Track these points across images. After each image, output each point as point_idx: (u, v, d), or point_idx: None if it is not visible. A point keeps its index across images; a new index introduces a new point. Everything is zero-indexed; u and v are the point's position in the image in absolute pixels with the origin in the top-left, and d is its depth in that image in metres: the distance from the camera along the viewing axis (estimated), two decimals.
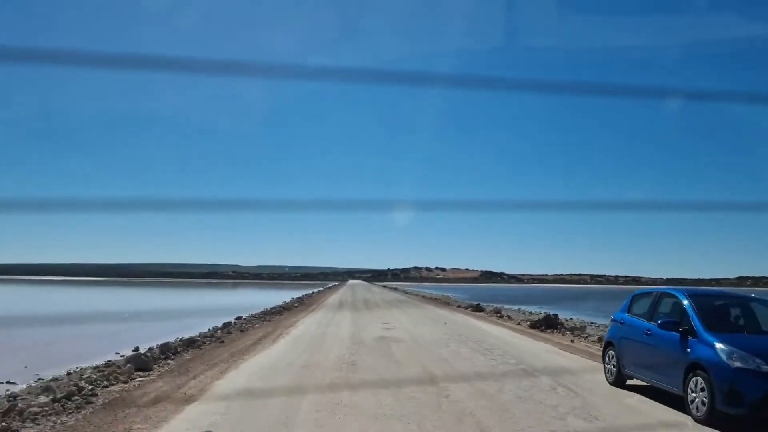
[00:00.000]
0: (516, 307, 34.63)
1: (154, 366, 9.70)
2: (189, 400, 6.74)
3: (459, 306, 31.93)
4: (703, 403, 5.87)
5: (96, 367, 10.38)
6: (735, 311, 7.02)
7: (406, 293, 61.97)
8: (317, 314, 22.69)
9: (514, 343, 13.31)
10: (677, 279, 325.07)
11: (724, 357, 5.78)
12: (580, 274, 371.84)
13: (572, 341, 14.10)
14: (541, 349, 12.25)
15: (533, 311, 29.68)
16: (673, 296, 7.19)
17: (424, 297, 49.64)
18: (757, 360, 5.63)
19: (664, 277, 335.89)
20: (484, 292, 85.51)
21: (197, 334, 14.59)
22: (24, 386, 9.12)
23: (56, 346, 15.66)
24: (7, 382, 9.95)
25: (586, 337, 15.17)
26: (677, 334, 6.49)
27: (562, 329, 16.79)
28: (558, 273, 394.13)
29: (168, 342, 12.04)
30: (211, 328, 16.98)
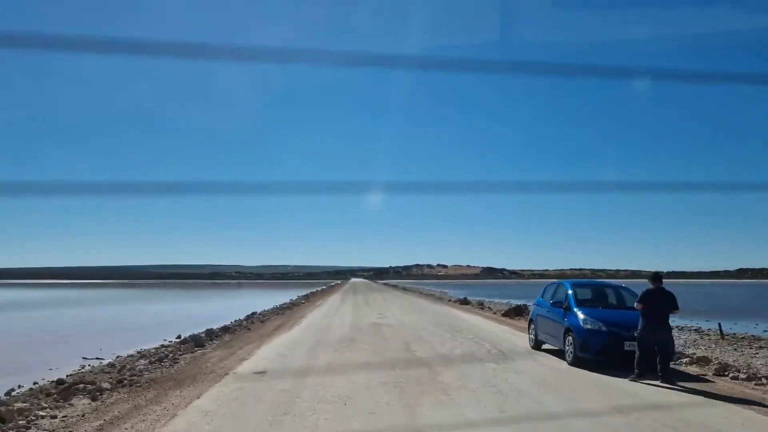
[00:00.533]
0: (505, 301, 37.98)
1: (206, 344, 13.21)
2: (243, 359, 10.23)
3: (449, 300, 35.49)
4: (570, 353, 9.36)
5: (161, 346, 13.93)
6: (597, 293, 10.51)
7: (405, 290, 65.52)
8: (322, 308, 26.20)
9: (480, 326, 16.82)
10: (678, 272, 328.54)
11: (581, 323, 9.25)
12: (581, 269, 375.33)
13: None
14: (498, 330, 15.75)
15: (519, 303, 33.02)
16: (563, 285, 10.69)
17: (420, 293, 53.20)
18: (600, 323, 9.09)
19: (665, 270, 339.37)
20: (482, 288, 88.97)
21: (229, 323, 18.12)
22: (114, 359, 12.63)
23: (110, 336, 19.14)
24: (95, 358, 13.46)
25: None
26: (561, 310, 9.98)
27: (527, 316, 20.29)
28: (559, 268, 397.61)
29: (211, 328, 15.57)
30: (234, 321, 20.48)
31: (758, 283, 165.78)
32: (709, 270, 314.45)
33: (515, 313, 20.85)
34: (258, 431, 5.46)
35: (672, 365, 9.33)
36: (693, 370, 9.46)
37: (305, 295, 45.28)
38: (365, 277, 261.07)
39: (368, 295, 45.05)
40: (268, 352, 11.12)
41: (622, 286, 10.77)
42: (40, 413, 6.27)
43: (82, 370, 11.14)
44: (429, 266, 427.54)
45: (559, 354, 10.23)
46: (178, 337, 16.51)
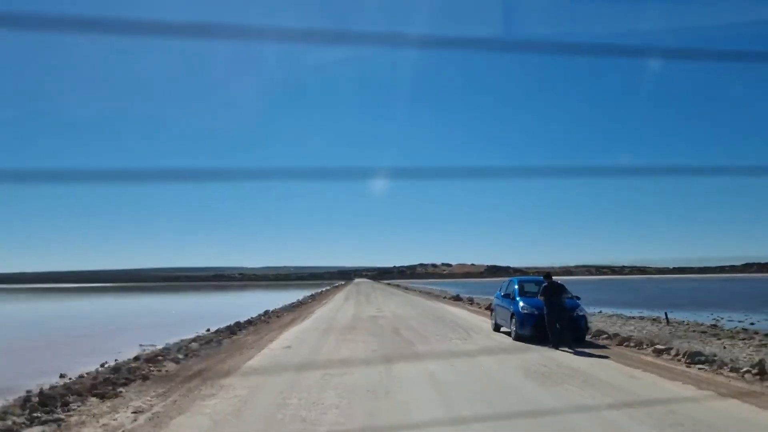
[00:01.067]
0: None
1: (237, 332, 16.74)
2: (271, 340, 13.75)
3: (444, 297, 39.03)
4: (514, 331, 12.84)
5: (198, 336, 17.42)
6: (537, 287, 13.97)
7: (405, 289, 69.06)
8: (328, 305, 29.74)
9: (461, 317, 20.33)
10: (683, 268, 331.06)
11: (520, 308, 12.72)
12: (585, 265, 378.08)
13: None
14: (476, 319, 19.25)
15: None
16: (512, 282, 14.17)
17: (419, 292, 56.73)
18: (533, 309, 12.55)
19: (671, 266, 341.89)
20: (483, 286, 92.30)
21: (248, 318, 21.65)
22: (166, 344, 16.12)
23: (148, 330, 22.66)
24: (150, 345, 16.96)
25: None
26: (509, 300, 13.46)
27: None
28: (564, 265, 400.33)
29: (238, 321, 19.12)
30: (253, 317, 24.00)
31: (761, 278, 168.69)
32: (715, 265, 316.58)
33: None
34: (292, 373, 8.96)
35: (591, 338, 12.86)
36: (604, 341, 12.92)
37: (311, 295, 48.87)
38: (369, 277, 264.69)
39: (370, 293, 48.61)
40: (288, 336, 14.64)
41: (556, 281, 14.22)
42: (153, 369, 9.81)
43: (147, 352, 14.66)
44: (433, 265, 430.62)
45: (509, 334, 13.71)
46: (208, 330, 19.98)
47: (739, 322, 23.22)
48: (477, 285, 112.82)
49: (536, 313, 12.53)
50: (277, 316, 22.97)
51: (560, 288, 11.93)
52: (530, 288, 13.92)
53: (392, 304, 30.07)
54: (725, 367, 9.11)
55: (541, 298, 11.81)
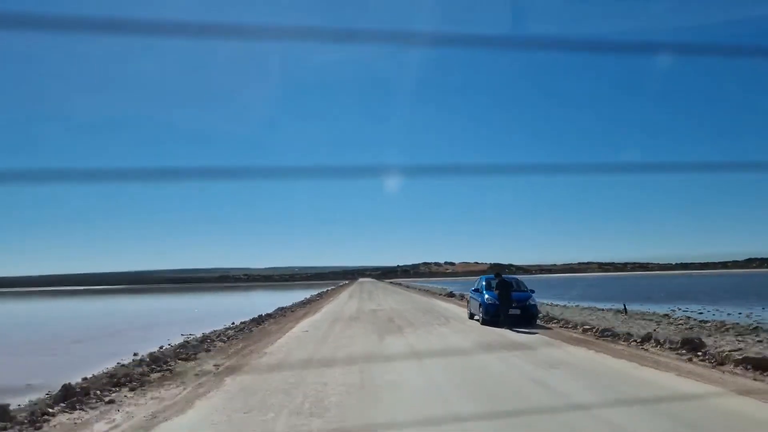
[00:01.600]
0: None
1: (261, 323, 20.48)
2: (290, 328, 17.46)
3: (439, 294, 42.77)
4: (481, 317, 16.54)
5: (230, 326, 21.17)
6: (509, 283, 17.65)
7: (406, 287, 72.81)
8: (334, 302, 33.48)
9: (448, 309, 24.02)
10: (686, 264, 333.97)
11: (486, 300, 16.40)
12: (588, 263, 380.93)
13: None
14: (459, 311, 22.91)
15: None
16: (481, 279, 17.85)
17: (418, 290, 60.48)
18: (495, 300, 16.21)
19: (674, 263, 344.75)
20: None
21: (266, 313, 25.39)
22: (203, 333, 19.84)
23: (183, 324, 26.37)
24: (189, 334, 20.68)
25: None
26: (479, 293, 17.14)
27: None
28: (567, 262, 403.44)
29: (260, 314, 22.86)
30: (271, 311, 27.71)
31: (761, 273, 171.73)
32: (717, 261, 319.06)
33: None
34: (311, 349, 12.65)
35: (543, 322, 16.54)
36: (553, 324, 16.55)
37: (318, 294, 52.68)
38: (373, 277, 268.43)
39: (372, 292, 52.41)
40: (304, 325, 18.37)
41: (516, 279, 17.94)
42: (209, 347, 13.53)
43: (194, 337, 18.37)
44: (437, 264, 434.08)
45: (478, 321, 17.39)
46: (233, 323, 23.70)
47: (693, 311, 26.82)
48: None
49: (497, 303, 16.22)
50: (291, 311, 26.72)
51: (509, 284, 15.63)
52: (493, 284, 17.60)
53: (391, 300, 33.81)
54: (622, 338, 12.77)
55: (496, 292, 15.52)
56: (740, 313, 25.36)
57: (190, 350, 12.71)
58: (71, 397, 7.53)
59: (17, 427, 6.36)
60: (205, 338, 15.44)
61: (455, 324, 17.12)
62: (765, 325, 17.40)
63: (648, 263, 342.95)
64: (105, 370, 10.84)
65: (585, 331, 14.57)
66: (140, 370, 10.00)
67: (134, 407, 7.05)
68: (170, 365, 10.58)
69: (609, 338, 13.04)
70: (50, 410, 6.95)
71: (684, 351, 10.50)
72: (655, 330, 14.64)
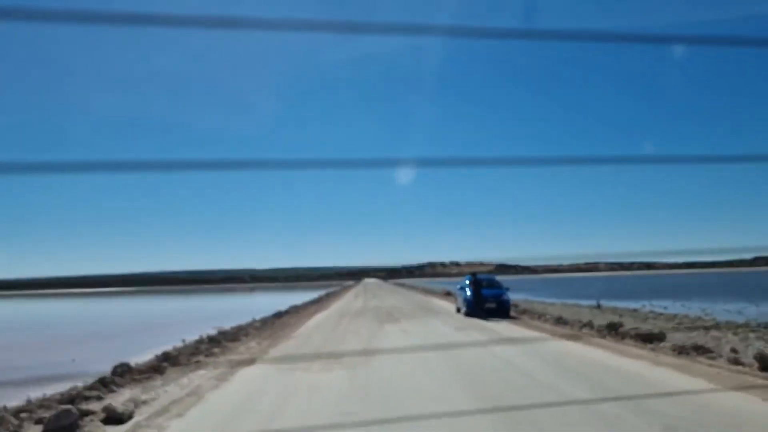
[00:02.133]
0: None
1: (281, 317, 24.32)
2: (306, 321, 21.30)
3: (438, 294, 46.60)
4: (464, 310, 20.33)
5: (255, 319, 25.01)
6: (482, 281, 21.42)
7: (410, 288, 76.65)
8: (341, 301, 37.33)
9: (441, 306, 27.80)
10: (692, 263, 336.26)
11: (466, 295, 20.19)
12: (596, 263, 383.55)
13: None
14: (451, 307, 26.67)
15: None
16: (466, 278, 21.63)
17: (420, 289, 64.33)
18: (473, 296, 20.02)
19: (680, 261, 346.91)
20: None
21: (282, 309, 29.25)
22: (231, 326, 23.68)
23: (208, 320, 30.23)
24: (221, 327, 24.50)
25: None
26: (462, 290, 20.93)
27: None
28: (574, 262, 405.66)
29: (279, 310, 26.74)
30: (285, 309, 31.55)
31: (763, 271, 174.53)
32: (723, 260, 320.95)
33: None
34: (327, 333, 16.44)
35: (516, 314, 20.28)
36: (523, 316, 20.27)
37: (326, 294, 56.60)
38: (378, 277, 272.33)
39: (376, 291, 56.29)
40: (317, 318, 22.19)
41: (494, 278, 21.70)
42: (243, 334, 17.38)
43: (226, 328, 22.19)
44: (442, 264, 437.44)
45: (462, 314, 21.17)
46: (253, 319, 27.52)
47: (661, 306, 30.49)
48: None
49: (475, 298, 19.99)
50: (304, 309, 30.59)
51: (480, 282, 19.42)
52: (473, 282, 21.36)
53: (393, 299, 37.65)
54: (569, 325, 16.50)
55: (471, 288, 19.30)
56: (687, 306, 29.20)
57: (229, 336, 16.54)
58: (171, 359, 11.36)
59: (145, 374, 10.16)
60: (239, 328, 19.28)
61: (443, 316, 20.92)
62: (690, 314, 21.13)
63: (654, 262, 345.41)
64: (175, 347, 14.65)
65: (546, 320, 18.33)
66: (204, 346, 13.84)
67: (213, 366, 10.85)
68: (223, 344, 14.40)
69: (559, 324, 16.80)
70: (162, 364, 10.77)
71: (605, 331, 14.27)
72: (594, 318, 18.42)
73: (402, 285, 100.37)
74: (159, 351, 14.43)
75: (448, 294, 42.21)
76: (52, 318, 44.28)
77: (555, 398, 6.66)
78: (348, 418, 6.04)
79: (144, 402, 7.38)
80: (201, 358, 11.72)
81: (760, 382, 7.58)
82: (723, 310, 27.12)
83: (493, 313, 19.52)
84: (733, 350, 10.86)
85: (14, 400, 8.58)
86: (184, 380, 9.16)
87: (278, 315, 25.13)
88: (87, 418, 6.44)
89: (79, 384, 9.33)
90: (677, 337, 13.02)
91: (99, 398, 7.79)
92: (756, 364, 8.67)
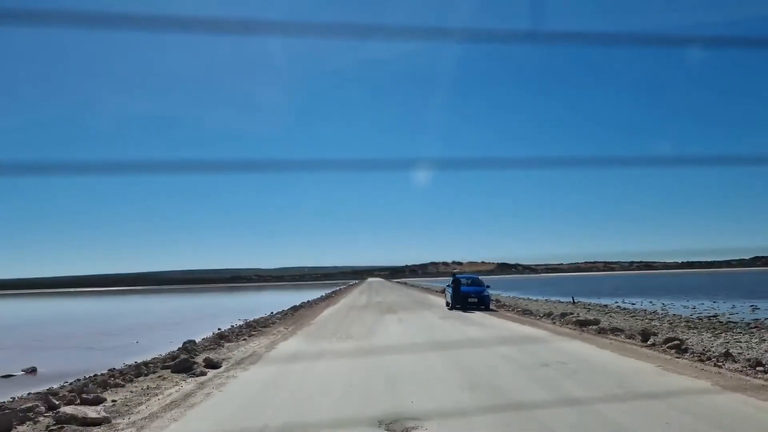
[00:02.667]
0: None
1: (298, 310, 28.20)
2: (319, 313, 25.16)
3: (435, 291, 50.45)
4: (451, 304, 24.20)
5: (273, 313, 28.92)
6: (467, 280, 25.22)
7: (411, 286, 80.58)
8: (348, 297, 41.21)
9: (436, 302, 31.64)
10: (691, 262, 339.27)
11: (452, 292, 24.04)
12: (594, 262, 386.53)
13: None
14: (443, 303, 30.50)
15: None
16: (453, 277, 25.49)
17: (420, 287, 68.18)
18: (453, 293, 23.86)
19: (679, 261, 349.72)
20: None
21: (295, 305, 33.12)
22: (254, 319, 27.58)
23: (229, 315, 34.12)
24: (243, 319, 28.39)
25: None
26: (451, 287, 24.79)
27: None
28: (574, 262, 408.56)
29: (295, 305, 30.65)
30: (299, 304, 35.43)
31: (762, 271, 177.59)
32: (722, 260, 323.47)
33: None
34: (338, 321, 20.29)
35: (496, 308, 24.09)
36: (502, 309, 24.05)
37: (333, 291, 60.55)
38: (382, 276, 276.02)
39: (379, 289, 60.23)
40: (328, 310, 26.05)
41: (477, 278, 25.52)
42: (268, 324, 21.26)
43: (251, 319, 26.04)
44: (444, 263, 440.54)
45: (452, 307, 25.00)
46: (271, 313, 31.39)
47: (630, 302, 34.22)
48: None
49: (459, 294, 23.80)
50: (315, 304, 34.48)
51: (459, 281, 23.31)
52: (462, 280, 25.19)
53: (394, 296, 41.54)
54: (534, 315, 20.28)
55: (453, 285, 23.13)
56: (654, 303, 32.97)
57: (259, 325, 20.38)
58: (224, 338, 15.23)
59: (210, 346, 13.99)
60: (265, 318, 23.13)
61: (435, 309, 24.76)
62: (649, 309, 24.87)
63: (653, 262, 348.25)
64: (220, 330, 18.50)
65: (515, 311, 22.14)
66: (245, 330, 17.71)
67: (256, 343, 14.69)
68: (258, 329, 18.25)
69: (525, 315, 20.62)
70: (220, 341, 14.62)
71: (556, 319, 18.09)
72: (559, 310, 22.23)
73: (404, 284, 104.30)
74: (205, 336, 18.30)
75: (443, 292, 46.10)
76: (91, 314, 48.33)
77: (481, 348, 10.50)
78: (357, 358, 9.90)
79: (223, 359, 11.23)
80: (245, 337, 15.58)
81: (629, 346, 11.40)
82: (682, 306, 30.88)
83: (476, 306, 23.32)
84: (643, 332, 14.66)
85: (132, 360, 12.48)
86: (242, 349, 13.02)
87: (295, 309, 29.02)
88: (195, 364, 10.29)
89: (163, 354, 13.22)
90: (607, 322, 16.85)
91: (192, 357, 11.64)
92: (638, 337, 12.50)
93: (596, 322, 16.50)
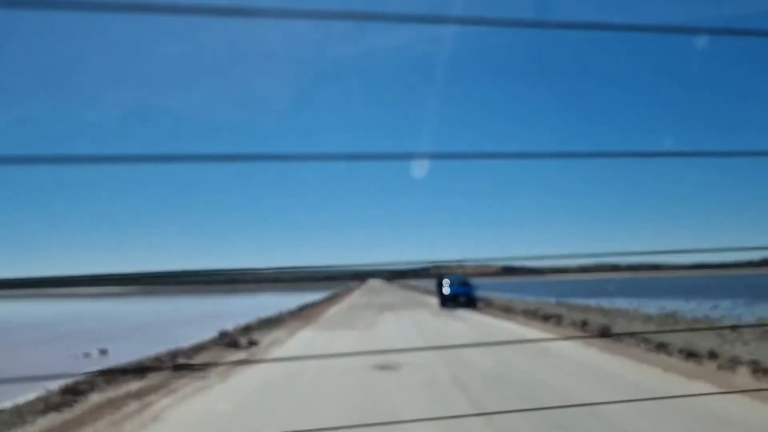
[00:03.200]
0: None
1: (306, 309, 32.18)
2: (325, 311, 29.12)
3: (433, 293, 54.48)
4: (442, 303, 28.15)
5: (282, 312, 32.93)
6: (455, 279, 29.14)
7: (413, 288, 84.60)
8: (350, 298, 45.21)
9: (431, 301, 35.58)
10: (698, 264, 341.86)
11: (443, 290, 27.99)
12: (602, 264, 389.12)
13: None
14: (436, 302, 34.46)
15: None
16: (443, 278, 29.43)
17: (420, 289, 72.21)
18: (449, 290, 27.78)
19: (688, 263, 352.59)
20: (484, 287, 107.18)
21: (305, 304, 37.12)
22: (269, 316, 31.55)
23: (245, 314, 38.06)
24: (260, 316, 32.36)
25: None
26: (441, 287, 28.75)
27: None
28: (582, 264, 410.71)
29: (300, 305, 34.67)
30: (305, 303, 39.38)
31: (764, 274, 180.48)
32: (732, 261, 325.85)
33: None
34: (342, 317, 24.21)
35: (484, 306, 28.06)
36: (487, 307, 27.95)
37: (335, 293, 64.63)
38: (383, 278, 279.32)
39: (380, 291, 64.32)
40: (334, 310, 30.00)
41: (467, 279, 29.46)
42: (280, 320, 25.25)
43: (266, 315, 29.97)
44: (448, 266, 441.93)
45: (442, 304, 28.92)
46: (280, 311, 35.31)
47: (612, 303, 38.09)
48: (481, 285, 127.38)
49: (449, 294, 27.73)
50: (319, 304, 38.48)
51: (441, 283, 27.30)
52: (452, 280, 29.07)
53: (393, 297, 45.54)
54: (514, 312, 24.18)
55: (444, 283, 27.09)
56: (632, 303, 36.95)
57: (273, 320, 24.32)
58: (248, 329, 19.17)
59: (242, 332, 17.93)
60: (277, 316, 27.08)
61: (429, 308, 28.73)
62: (622, 308, 28.82)
63: (660, 264, 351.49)
64: (238, 325, 22.41)
65: (498, 308, 26.07)
66: (263, 323, 21.63)
67: (277, 332, 18.61)
68: (274, 323, 22.19)
69: (505, 311, 24.54)
70: (246, 331, 18.54)
71: (529, 314, 22.02)
72: (532, 308, 26.14)
73: (405, 286, 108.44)
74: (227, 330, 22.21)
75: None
76: (112, 314, 52.37)
77: (452, 330, 14.42)
78: (360, 343, 13.85)
79: (257, 341, 15.17)
80: (266, 329, 19.53)
81: (548, 326, 15.32)
82: (656, 306, 34.76)
83: (464, 305, 27.23)
84: (603, 325, 18.54)
85: (187, 343, 16.42)
86: (268, 336, 16.98)
87: (302, 308, 33.02)
88: (241, 342, 14.22)
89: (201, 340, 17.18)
90: (570, 317, 20.80)
91: (235, 339, 15.58)
92: (578, 326, 16.44)
93: (558, 316, 20.43)
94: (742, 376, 8.67)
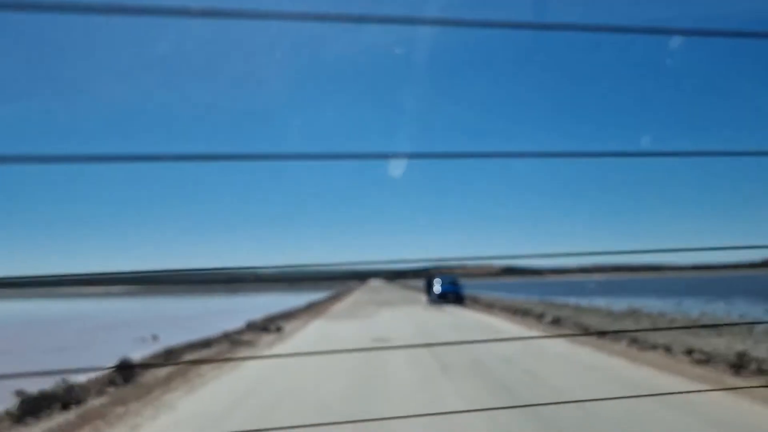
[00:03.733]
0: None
1: (315, 306, 36.58)
2: (331, 307, 33.52)
3: None
4: (430, 300, 32.56)
5: (292, 308, 37.38)
6: (445, 278, 33.56)
7: (412, 288, 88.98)
8: (352, 297, 49.66)
9: (424, 300, 40.01)
10: (700, 265, 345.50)
11: (434, 288, 32.40)
12: (602, 265, 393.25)
13: None
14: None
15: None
16: (434, 276, 33.83)
17: (417, 289, 76.61)
18: (439, 288, 32.19)
19: (689, 263, 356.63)
20: (483, 287, 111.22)
21: (312, 302, 41.52)
22: (284, 310, 35.97)
23: (256, 311, 42.42)
24: (270, 313, 36.73)
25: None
26: (432, 285, 33.17)
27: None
28: (582, 264, 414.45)
29: (309, 302, 39.08)
30: (312, 301, 43.75)
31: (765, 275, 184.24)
32: (735, 261, 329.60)
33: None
34: (347, 311, 28.58)
35: (471, 303, 32.47)
36: (475, 304, 32.29)
37: (338, 292, 69.06)
38: (384, 278, 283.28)
39: (380, 291, 68.85)
40: (339, 306, 34.39)
41: (456, 278, 33.87)
42: (293, 314, 29.67)
43: (281, 311, 34.33)
44: (448, 266, 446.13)
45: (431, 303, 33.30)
46: (291, 308, 39.65)
47: (591, 301, 42.47)
48: (480, 286, 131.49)
49: (440, 292, 32.11)
50: (325, 302, 42.89)
51: (430, 282, 31.75)
52: (441, 279, 33.46)
53: (392, 295, 50.00)
54: (496, 308, 28.53)
55: (436, 282, 31.53)
56: (611, 302, 41.33)
57: (284, 315, 28.68)
58: (269, 320, 23.56)
59: (265, 323, 22.31)
60: (288, 311, 31.45)
61: (422, 304, 33.13)
62: (597, 306, 33.26)
63: (661, 265, 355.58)
64: (258, 318, 26.76)
65: (482, 305, 30.44)
66: (278, 317, 25.99)
67: (294, 323, 22.98)
68: (287, 317, 26.55)
69: (487, 307, 28.90)
70: (268, 322, 22.90)
71: (515, 314, 26.39)
72: (515, 305, 30.55)
73: (405, 286, 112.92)
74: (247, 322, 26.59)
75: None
76: (130, 311, 56.77)
77: (436, 320, 18.78)
78: (361, 330, 18.28)
79: (281, 327, 19.53)
80: (283, 321, 23.90)
81: (517, 318, 19.69)
82: (627, 303, 39.12)
83: (453, 302, 31.59)
84: (555, 317, 22.89)
85: (221, 329, 20.83)
86: (288, 325, 21.36)
87: (309, 305, 37.48)
88: (271, 329, 18.59)
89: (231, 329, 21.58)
90: (537, 311, 25.19)
91: (263, 326, 19.92)
92: (537, 318, 20.81)
93: (529, 311, 24.78)
94: (630, 348, 13.05)
